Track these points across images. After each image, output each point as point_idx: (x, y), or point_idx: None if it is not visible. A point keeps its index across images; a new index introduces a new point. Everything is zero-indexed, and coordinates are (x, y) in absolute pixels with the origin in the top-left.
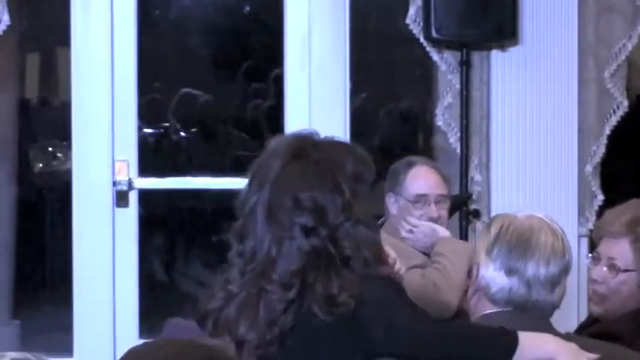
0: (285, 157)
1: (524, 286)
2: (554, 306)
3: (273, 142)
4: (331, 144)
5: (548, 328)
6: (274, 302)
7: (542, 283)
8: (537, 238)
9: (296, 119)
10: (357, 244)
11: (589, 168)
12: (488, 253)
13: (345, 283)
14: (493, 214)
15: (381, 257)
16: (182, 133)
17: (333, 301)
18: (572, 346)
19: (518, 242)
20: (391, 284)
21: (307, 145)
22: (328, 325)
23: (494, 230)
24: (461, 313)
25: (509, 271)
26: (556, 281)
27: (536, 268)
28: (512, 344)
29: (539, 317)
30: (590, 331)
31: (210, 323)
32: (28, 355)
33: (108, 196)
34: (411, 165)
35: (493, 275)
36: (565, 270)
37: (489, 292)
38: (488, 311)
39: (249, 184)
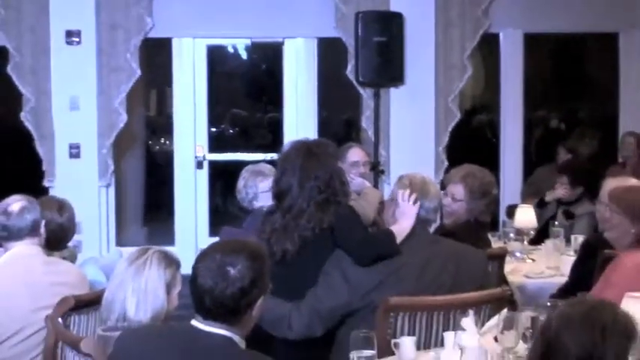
0: (303, 155)
1: (424, 211)
2: (435, 221)
3: (290, 147)
4: (321, 143)
5: (427, 232)
6: (304, 229)
7: (432, 210)
8: (429, 187)
9: (290, 125)
10: (345, 193)
11: (440, 149)
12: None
13: (329, 217)
14: (392, 174)
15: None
16: (231, 131)
17: (322, 225)
18: (408, 209)
19: (420, 189)
20: (352, 212)
21: (312, 147)
22: (320, 235)
23: (406, 182)
24: (375, 222)
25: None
26: (437, 209)
27: (430, 203)
28: (393, 235)
29: (426, 226)
30: (442, 232)
31: (265, 243)
32: (168, 250)
33: (192, 163)
34: (349, 147)
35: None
36: (440, 202)
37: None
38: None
39: (284, 173)
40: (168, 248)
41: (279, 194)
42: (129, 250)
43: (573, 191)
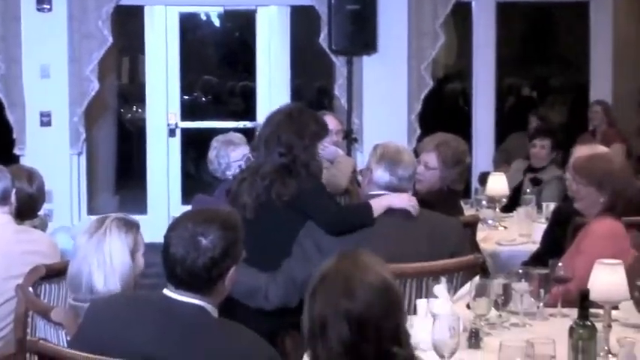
0: (282, 115)
1: (397, 180)
2: (410, 190)
3: (282, 106)
4: (304, 112)
5: None
6: (259, 184)
7: (406, 179)
8: (403, 156)
9: (263, 93)
10: (308, 166)
11: (413, 116)
12: (378, 163)
13: (289, 189)
14: (365, 142)
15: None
16: (203, 99)
17: (281, 197)
18: (403, 195)
19: (393, 157)
20: (319, 183)
21: (294, 111)
22: (275, 203)
23: (379, 151)
24: (347, 190)
25: (390, 173)
26: (412, 177)
27: (403, 171)
28: (370, 208)
29: None
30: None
31: (232, 194)
32: (125, 215)
33: (164, 131)
34: (322, 115)
35: (380, 174)
36: (415, 171)
37: (377, 182)
38: (373, 192)
39: (262, 126)
40: (141, 217)
41: (252, 145)
42: None
43: (549, 155)
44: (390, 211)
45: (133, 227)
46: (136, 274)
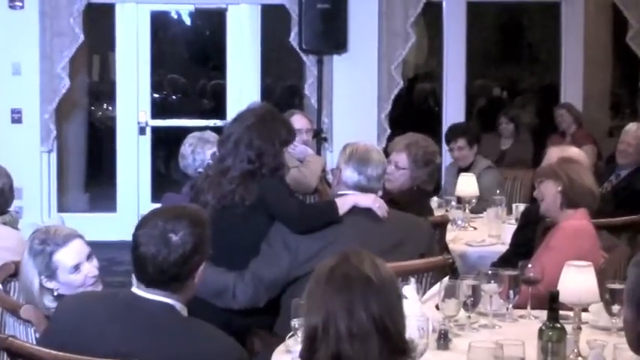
0: (255, 117)
1: (366, 179)
2: (379, 189)
3: (254, 105)
4: (276, 119)
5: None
6: (225, 187)
7: (375, 178)
8: (372, 155)
9: (233, 92)
10: (271, 172)
11: (382, 116)
12: (347, 162)
13: (252, 194)
14: (335, 141)
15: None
16: (173, 97)
17: (244, 202)
18: (370, 195)
19: (362, 157)
20: (281, 183)
21: (267, 115)
22: (235, 207)
23: (348, 151)
24: (317, 190)
25: (359, 172)
26: (381, 177)
27: (372, 171)
28: (334, 204)
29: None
30: (385, 200)
31: (195, 190)
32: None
33: (135, 129)
34: (292, 114)
35: (349, 174)
36: (384, 170)
37: (346, 182)
38: (342, 192)
39: (232, 123)
40: (111, 214)
41: (220, 141)
42: (70, 216)
43: (471, 151)
44: (359, 211)
45: (40, 253)
46: (79, 286)
